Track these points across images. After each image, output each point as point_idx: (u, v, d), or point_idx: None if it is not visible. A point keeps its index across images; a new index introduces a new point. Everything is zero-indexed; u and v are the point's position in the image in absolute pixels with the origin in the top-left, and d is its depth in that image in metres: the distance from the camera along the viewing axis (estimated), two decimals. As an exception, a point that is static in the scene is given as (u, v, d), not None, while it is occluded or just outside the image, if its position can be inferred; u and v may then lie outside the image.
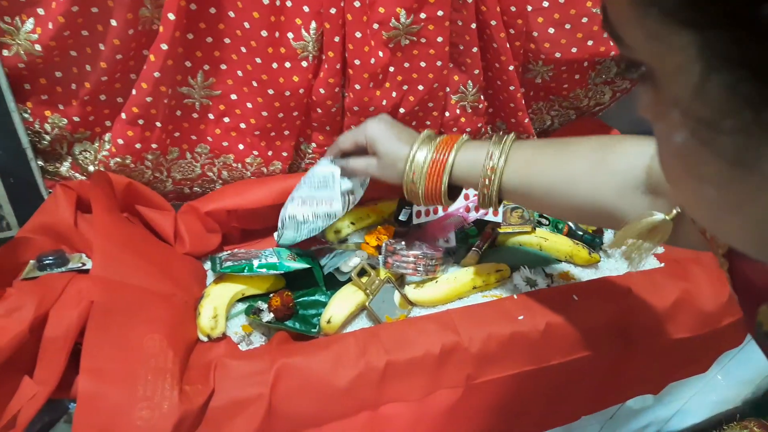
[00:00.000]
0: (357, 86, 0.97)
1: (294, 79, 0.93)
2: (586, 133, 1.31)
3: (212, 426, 0.81)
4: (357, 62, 0.93)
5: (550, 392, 1.04)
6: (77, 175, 0.97)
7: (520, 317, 0.94)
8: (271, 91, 0.93)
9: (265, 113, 0.95)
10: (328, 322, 0.95)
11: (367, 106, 1.00)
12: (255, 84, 0.92)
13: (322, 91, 0.96)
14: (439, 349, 0.90)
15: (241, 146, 1.01)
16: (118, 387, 0.74)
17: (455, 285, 1.01)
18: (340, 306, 0.97)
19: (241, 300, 0.99)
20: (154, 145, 0.93)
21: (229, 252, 1.03)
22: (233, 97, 0.95)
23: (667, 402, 1.58)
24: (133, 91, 0.86)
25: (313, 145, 1.06)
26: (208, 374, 0.83)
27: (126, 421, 0.73)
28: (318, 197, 0.97)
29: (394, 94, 1.02)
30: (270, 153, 1.03)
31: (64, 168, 0.96)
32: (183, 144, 0.99)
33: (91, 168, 0.95)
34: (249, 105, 0.95)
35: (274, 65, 0.90)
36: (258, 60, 0.89)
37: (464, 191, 1.15)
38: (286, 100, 0.95)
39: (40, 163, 0.94)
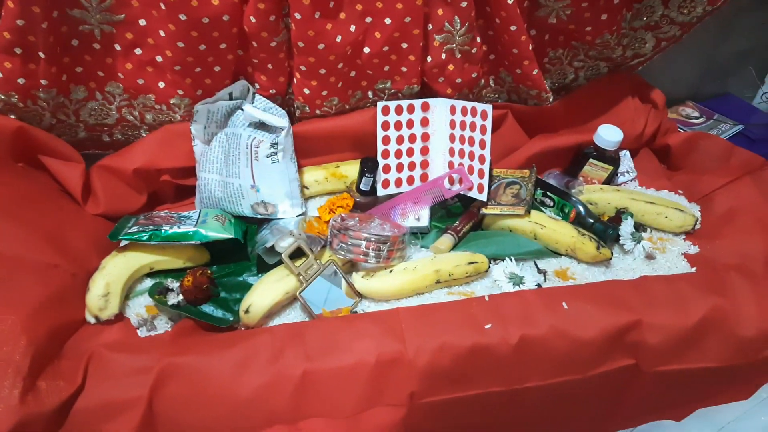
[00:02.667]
0: (297, 15, 0.75)
1: (213, 3, 0.72)
2: (619, 92, 1.05)
3: (75, 430, 0.67)
4: (293, -17, 0.72)
5: (525, 417, 0.84)
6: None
7: (488, 326, 0.74)
8: (183, 17, 0.72)
9: (181, 44, 0.75)
10: (247, 311, 0.77)
11: (315, 43, 0.78)
12: (163, 7, 0.72)
13: (252, 19, 0.75)
14: (375, 359, 0.72)
15: (161, 84, 0.82)
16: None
17: (413, 277, 0.81)
18: (263, 293, 0.79)
19: (153, 274, 0.82)
20: (44, 81, 0.75)
21: (146, 215, 0.85)
22: (142, 23, 0.76)
23: (706, 424, 1.35)
24: (1, 12, 0.68)
25: (257, 86, 0.86)
26: (77, 368, 0.68)
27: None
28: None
29: (352, 28, 0.80)
30: (199, 92, 0.83)
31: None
32: (89, 82, 0.81)
33: (-23, 107, 0.79)
34: (161, 33, 0.76)
35: (183, -17, 0.70)
36: (161, -25, 0.69)
37: (449, 158, 0.92)
38: (205, 28, 0.74)
39: None
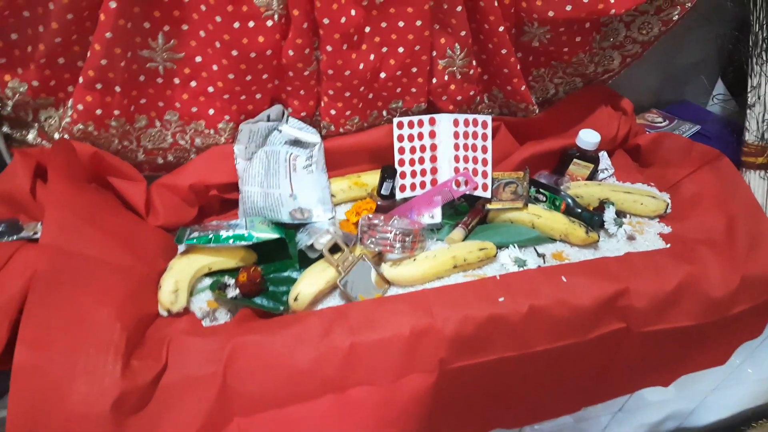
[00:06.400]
0: (329, 48, 0.90)
1: (259, 40, 0.87)
2: (594, 102, 1.23)
3: (163, 403, 0.77)
4: (326, 21, 0.87)
5: (538, 380, 0.96)
6: (44, 142, 0.94)
7: (501, 299, 0.87)
8: (235, 53, 0.87)
9: (231, 76, 0.90)
10: (296, 299, 0.90)
11: (342, 70, 0.93)
12: (218, 45, 0.87)
13: (291, 52, 0.90)
14: (409, 330, 0.83)
15: (211, 111, 0.96)
16: (57, 360, 0.71)
17: (434, 263, 0.95)
18: (309, 283, 0.91)
19: (210, 274, 0.95)
20: (116, 112, 0.89)
21: (199, 225, 0.98)
22: (198, 59, 0.90)
23: (688, 395, 1.48)
24: (88, 54, 0.82)
25: (289, 109, 1.01)
26: (161, 349, 0.80)
27: (63, 395, 0.70)
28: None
29: (372, 56, 0.95)
30: (243, 117, 0.98)
31: (31, 136, 0.93)
32: (151, 111, 0.95)
33: (56, 136, 0.92)
34: (215, 68, 0.90)
35: (236, 25, 0.85)
36: (218, 19, 0.84)
37: (454, 164, 1.07)
38: (252, 62, 0.89)
39: (6, 130, 0.91)
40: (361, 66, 0.95)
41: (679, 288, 0.91)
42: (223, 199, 1.05)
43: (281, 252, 0.99)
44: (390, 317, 0.85)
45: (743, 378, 1.49)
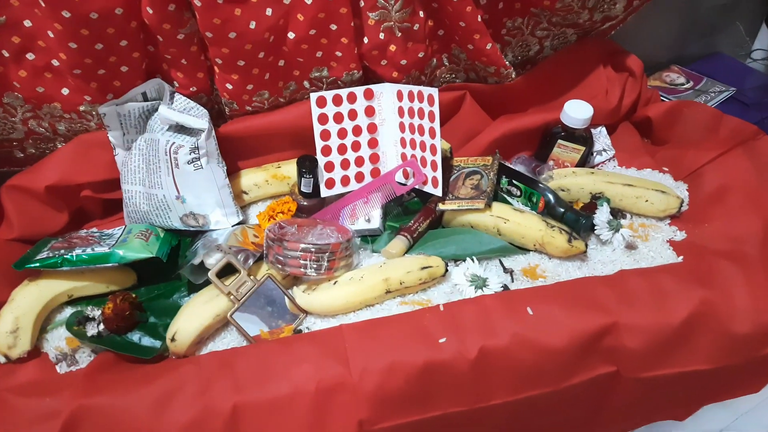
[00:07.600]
0: (197, 2, 0.65)
1: (100, -5, 0.63)
2: (589, 61, 0.95)
3: None
4: (185, -36, 0.62)
5: (497, 437, 0.75)
6: None
7: (442, 339, 0.66)
8: (66, 14, 0.63)
9: (73, 44, 0.66)
10: (173, 339, 0.69)
11: (224, 32, 0.69)
12: (43, 4, 0.63)
13: (149, 10, 0.66)
14: (315, 386, 0.64)
15: (65, 91, 0.73)
16: None
17: (359, 288, 0.72)
18: (190, 317, 0.70)
19: (74, 302, 0.75)
20: (-76, 98, 0.67)
21: (65, 236, 0.77)
22: (27, 24, 0.67)
23: (716, 418, 1.24)
24: None
25: (175, 84, 0.77)
26: (-21, 418, 0.61)
27: None
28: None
29: (269, 11, 0.70)
30: (110, 96, 0.74)
31: None
32: (-18, 94, 0.72)
33: None
34: (50, 34, 0.67)
35: (55, -27, 0.60)
36: (31, -34, 0.60)
37: (401, 150, 0.83)
38: (96, 24, 0.65)
39: None
40: (253, 25, 0.69)
41: (690, 321, 0.68)
42: (107, 200, 0.83)
43: (172, 270, 0.78)
44: (290, 367, 0.66)
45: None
